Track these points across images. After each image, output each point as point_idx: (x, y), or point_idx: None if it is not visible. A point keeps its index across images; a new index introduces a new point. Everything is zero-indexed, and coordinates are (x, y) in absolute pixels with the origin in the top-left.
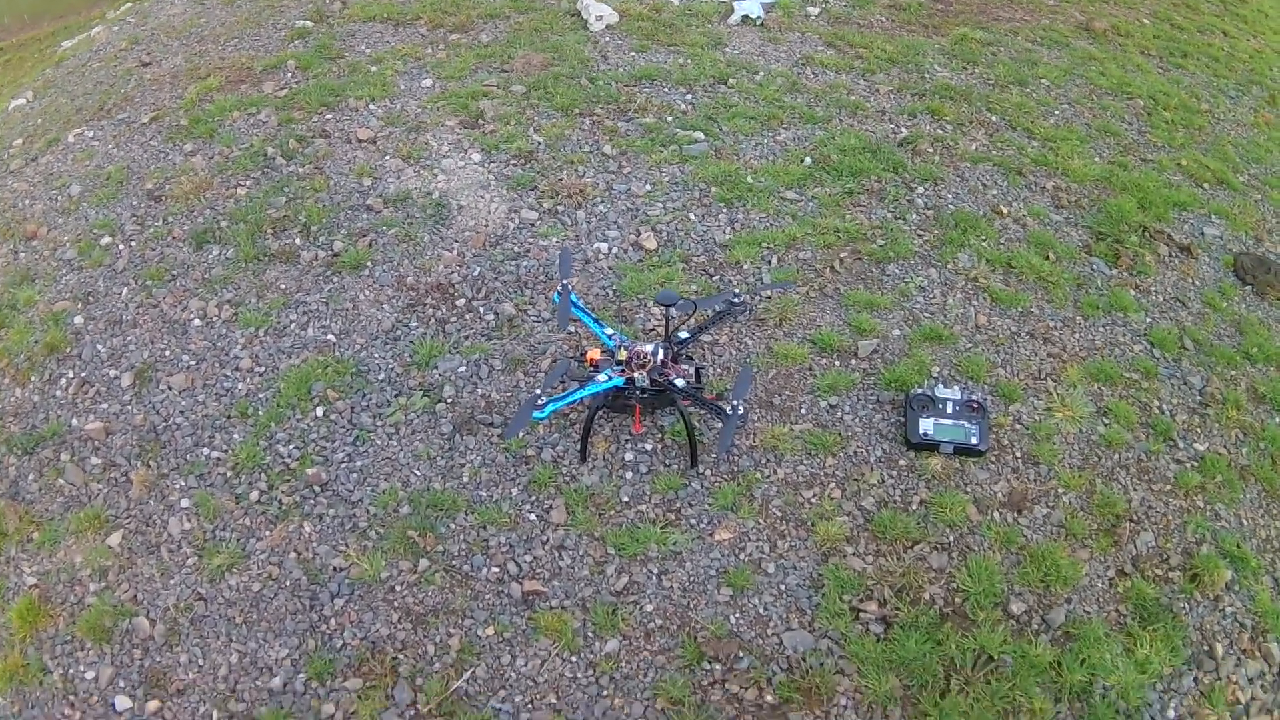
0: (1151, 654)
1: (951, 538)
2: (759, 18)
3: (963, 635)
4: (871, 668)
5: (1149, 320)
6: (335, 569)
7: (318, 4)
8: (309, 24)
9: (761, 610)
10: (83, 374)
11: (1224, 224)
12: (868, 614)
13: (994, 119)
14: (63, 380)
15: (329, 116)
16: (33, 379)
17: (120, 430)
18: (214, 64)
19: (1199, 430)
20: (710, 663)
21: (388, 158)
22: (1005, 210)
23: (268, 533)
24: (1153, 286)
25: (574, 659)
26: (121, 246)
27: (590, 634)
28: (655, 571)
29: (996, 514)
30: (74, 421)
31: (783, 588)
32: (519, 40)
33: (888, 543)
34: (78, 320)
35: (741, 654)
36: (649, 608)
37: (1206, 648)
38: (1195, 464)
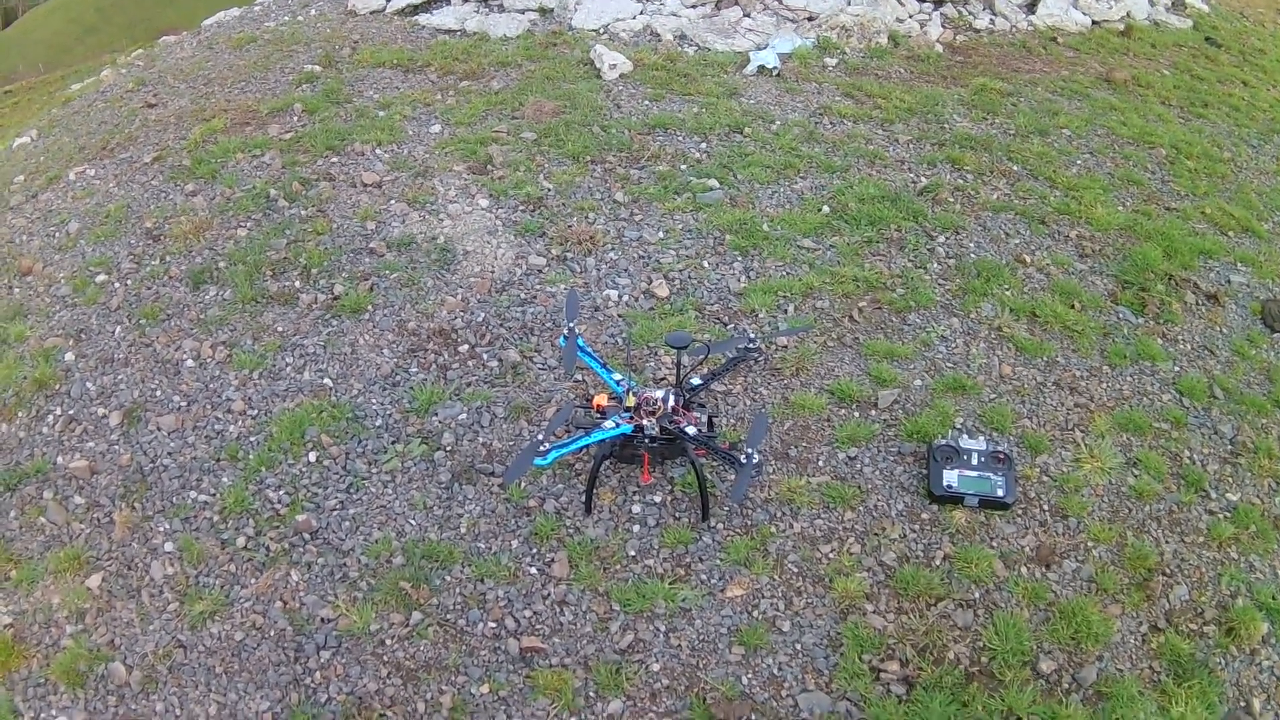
0: (1187, 712)
1: (977, 594)
2: (775, 68)
3: (989, 696)
4: None
5: (1177, 369)
6: (323, 620)
7: (327, 50)
8: (318, 69)
9: (775, 670)
10: (70, 411)
11: (1250, 271)
12: (889, 674)
13: (1015, 168)
14: (50, 417)
15: (334, 160)
16: (20, 415)
17: (106, 470)
18: (220, 106)
19: (1231, 480)
20: None
21: (393, 202)
22: (1029, 259)
23: (253, 580)
24: (1180, 335)
25: None
26: (117, 284)
27: (592, 694)
28: (662, 629)
29: (1024, 569)
30: (59, 459)
31: (798, 647)
32: (530, 88)
33: (910, 599)
34: (68, 357)
35: (754, 716)
36: (655, 667)
37: (1243, 703)
38: (1228, 515)
